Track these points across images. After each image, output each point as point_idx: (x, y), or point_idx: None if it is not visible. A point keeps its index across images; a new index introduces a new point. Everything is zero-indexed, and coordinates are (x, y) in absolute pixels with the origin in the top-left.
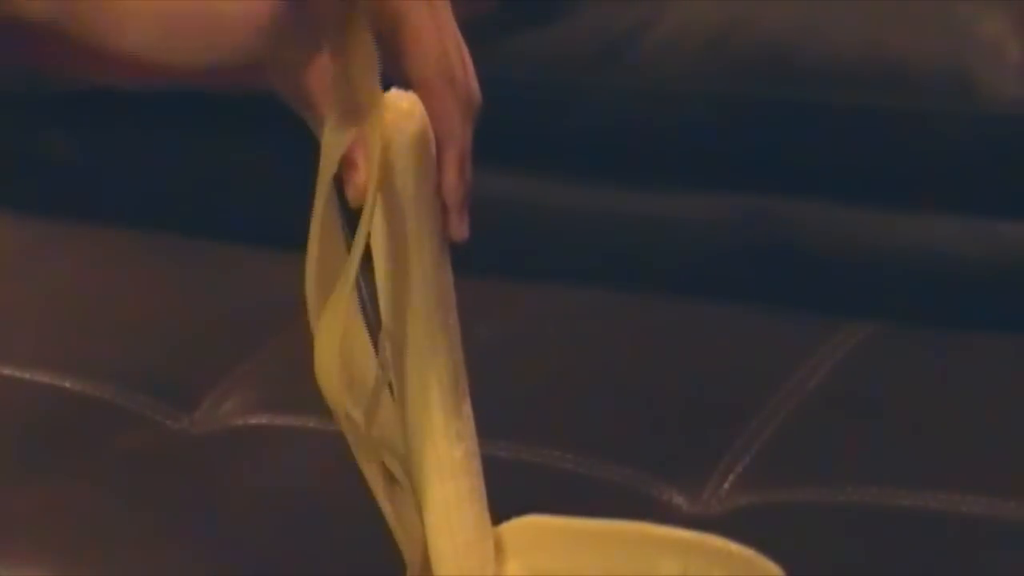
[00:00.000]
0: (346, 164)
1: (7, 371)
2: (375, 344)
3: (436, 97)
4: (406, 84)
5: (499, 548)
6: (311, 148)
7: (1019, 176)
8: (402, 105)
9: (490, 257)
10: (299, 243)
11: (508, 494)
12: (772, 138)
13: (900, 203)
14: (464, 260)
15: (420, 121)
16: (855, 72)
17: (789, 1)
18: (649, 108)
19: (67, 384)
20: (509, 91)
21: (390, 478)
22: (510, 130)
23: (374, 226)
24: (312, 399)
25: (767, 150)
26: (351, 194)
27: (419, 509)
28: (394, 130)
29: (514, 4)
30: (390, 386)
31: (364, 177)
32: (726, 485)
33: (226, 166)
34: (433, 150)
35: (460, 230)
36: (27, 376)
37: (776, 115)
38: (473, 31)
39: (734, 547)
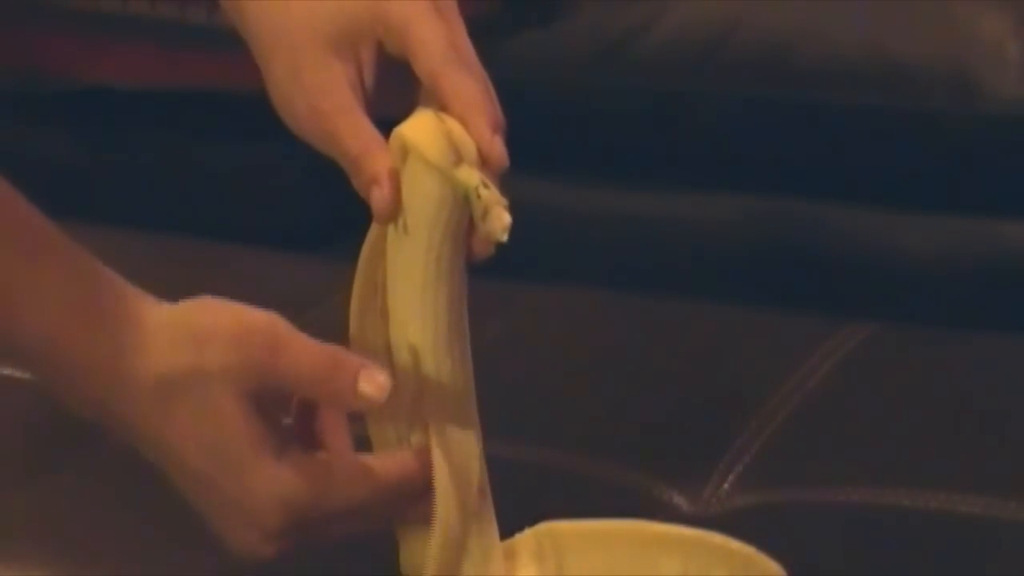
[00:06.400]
0: (371, 181)
1: (7, 371)
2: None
3: (449, 82)
4: (427, 82)
5: (515, 555)
6: (311, 150)
7: (1019, 176)
8: (424, 124)
9: (490, 257)
10: (298, 243)
11: (509, 494)
12: (772, 138)
13: (900, 203)
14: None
15: (441, 140)
16: (855, 72)
17: (789, 1)
18: (649, 108)
19: None
20: (509, 91)
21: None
22: (510, 130)
23: (401, 246)
24: None
25: (767, 150)
26: (377, 210)
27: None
28: (414, 147)
29: (515, 4)
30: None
31: (388, 193)
32: (726, 485)
33: (226, 166)
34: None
35: (484, 251)
36: (27, 376)
37: (776, 115)
38: (474, 31)
39: (734, 545)
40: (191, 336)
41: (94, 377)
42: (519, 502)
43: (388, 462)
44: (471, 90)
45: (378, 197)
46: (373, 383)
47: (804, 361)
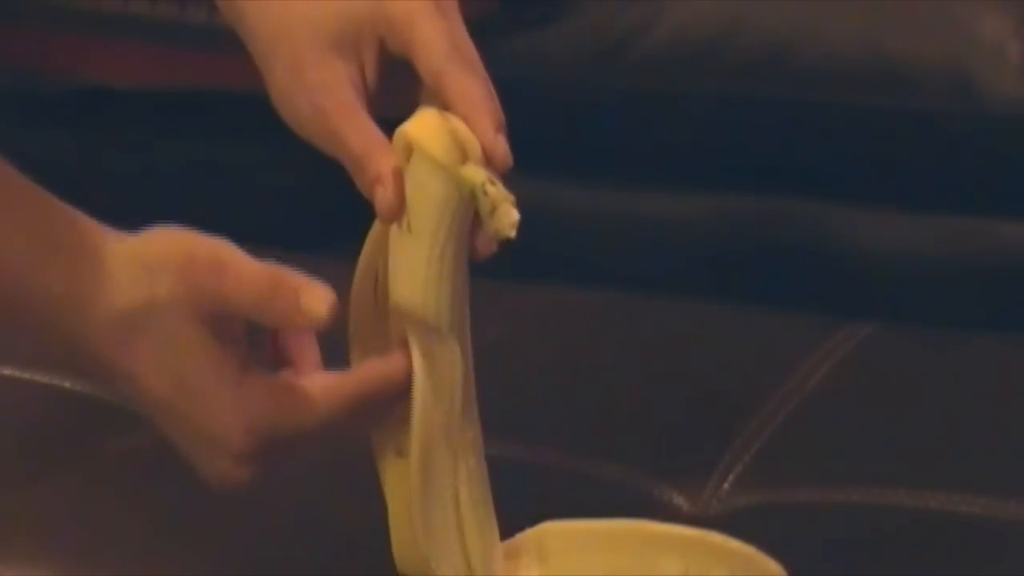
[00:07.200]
0: (375, 180)
1: (7, 371)
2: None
3: (452, 81)
4: (429, 79)
5: (515, 555)
6: (310, 149)
7: (1019, 176)
8: (428, 122)
9: (490, 257)
10: (298, 243)
11: (509, 494)
12: (772, 138)
13: (900, 203)
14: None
15: (445, 138)
16: (855, 72)
17: (789, 1)
18: (649, 108)
19: (67, 384)
20: (509, 91)
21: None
22: (509, 130)
23: (404, 244)
24: None
25: (767, 150)
26: (382, 210)
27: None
28: (419, 145)
29: (515, 4)
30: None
31: (393, 192)
32: (726, 485)
33: (226, 166)
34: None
35: (487, 248)
36: (27, 376)
37: (776, 115)
38: (474, 31)
39: (734, 544)
40: (143, 267)
41: (59, 313)
42: (519, 502)
43: (353, 374)
44: (474, 89)
45: (382, 196)
46: (316, 298)
47: (804, 361)
